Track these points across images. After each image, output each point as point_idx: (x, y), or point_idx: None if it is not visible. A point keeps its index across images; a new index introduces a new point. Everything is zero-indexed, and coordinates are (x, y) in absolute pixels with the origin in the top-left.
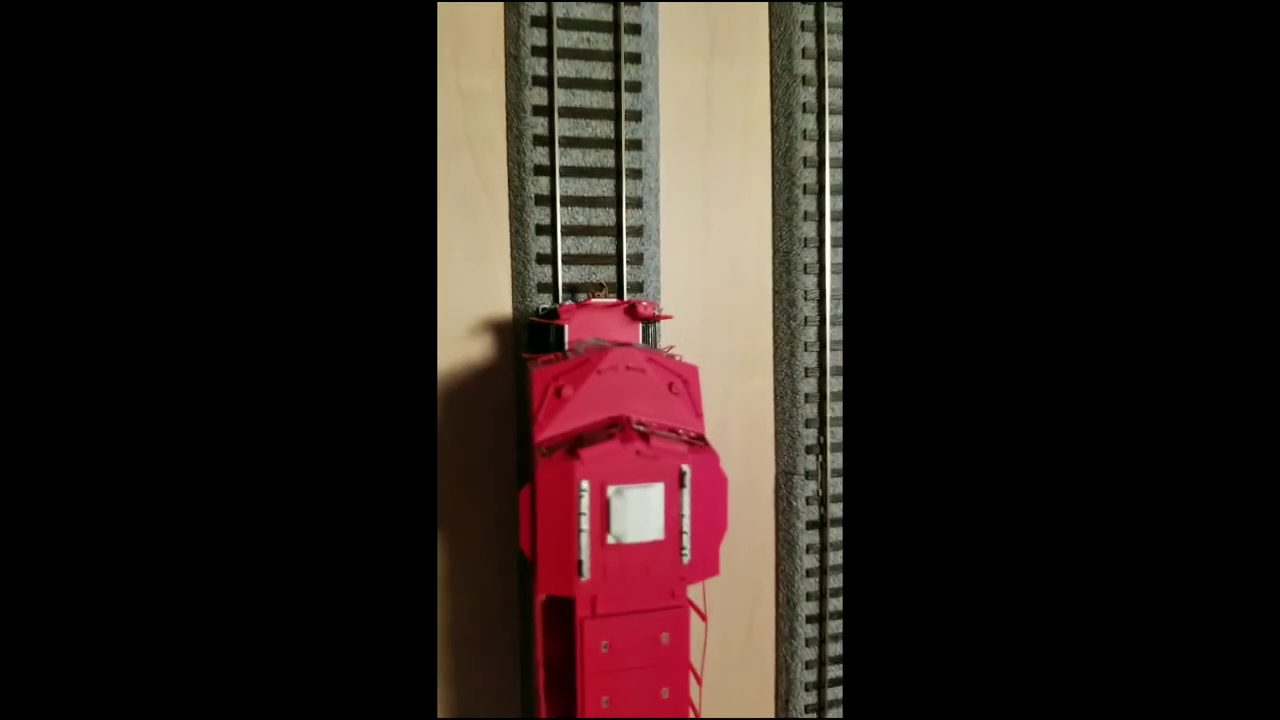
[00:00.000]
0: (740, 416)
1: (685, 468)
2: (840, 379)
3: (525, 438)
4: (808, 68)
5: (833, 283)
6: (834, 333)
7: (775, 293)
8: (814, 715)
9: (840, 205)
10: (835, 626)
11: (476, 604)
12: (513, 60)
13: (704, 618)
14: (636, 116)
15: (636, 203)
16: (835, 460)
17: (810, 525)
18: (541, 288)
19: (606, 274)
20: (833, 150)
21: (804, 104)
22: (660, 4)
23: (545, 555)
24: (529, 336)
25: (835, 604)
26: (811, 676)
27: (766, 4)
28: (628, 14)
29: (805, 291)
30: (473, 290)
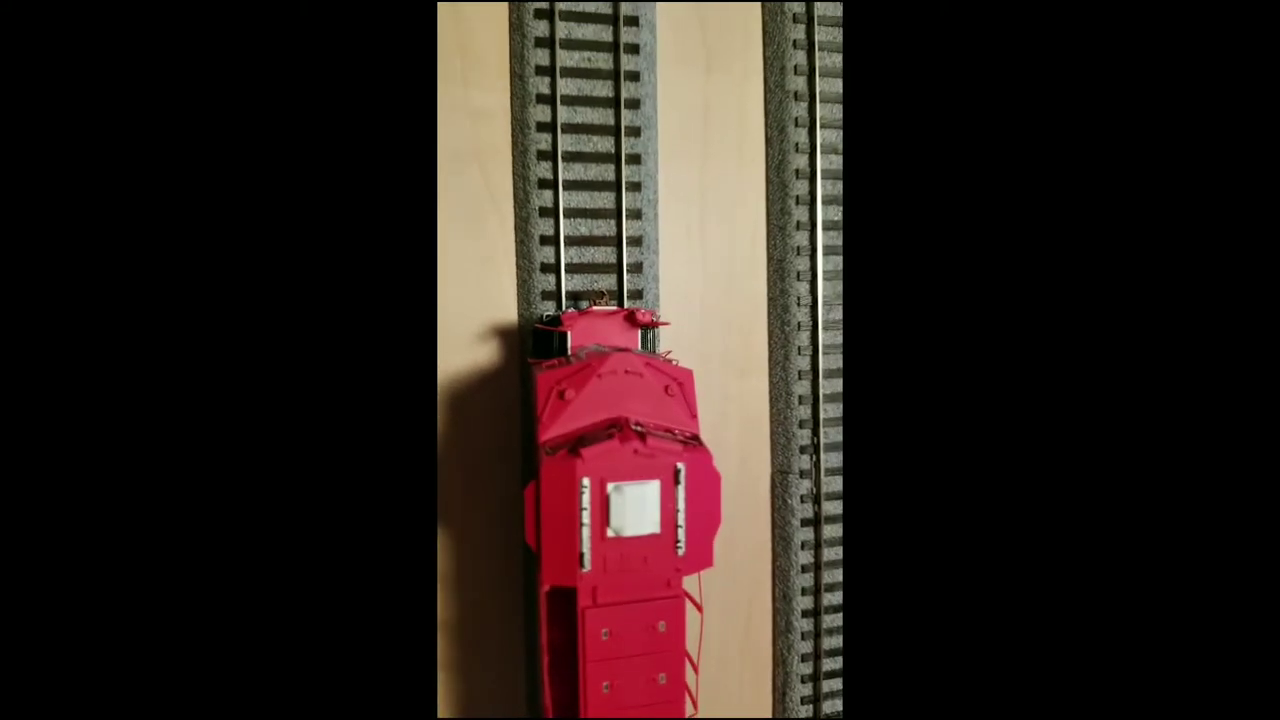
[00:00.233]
0: (737, 418)
1: (680, 465)
2: (833, 381)
3: (530, 438)
4: (800, 84)
5: (825, 289)
6: (826, 337)
7: (769, 299)
8: (810, 707)
9: (831, 215)
10: (830, 621)
11: (483, 596)
12: (518, 79)
13: (699, 608)
14: (636, 132)
15: (636, 214)
16: (829, 459)
17: (805, 522)
18: (545, 295)
19: (607, 282)
20: (824, 162)
21: (796, 118)
22: (659, 24)
23: (549, 548)
24: (533, 342)
25: (830, 599)
26: (807, 669)
27: (760, 23)
28: (627, 35)
29: (798, 298)
30: (480, 298)
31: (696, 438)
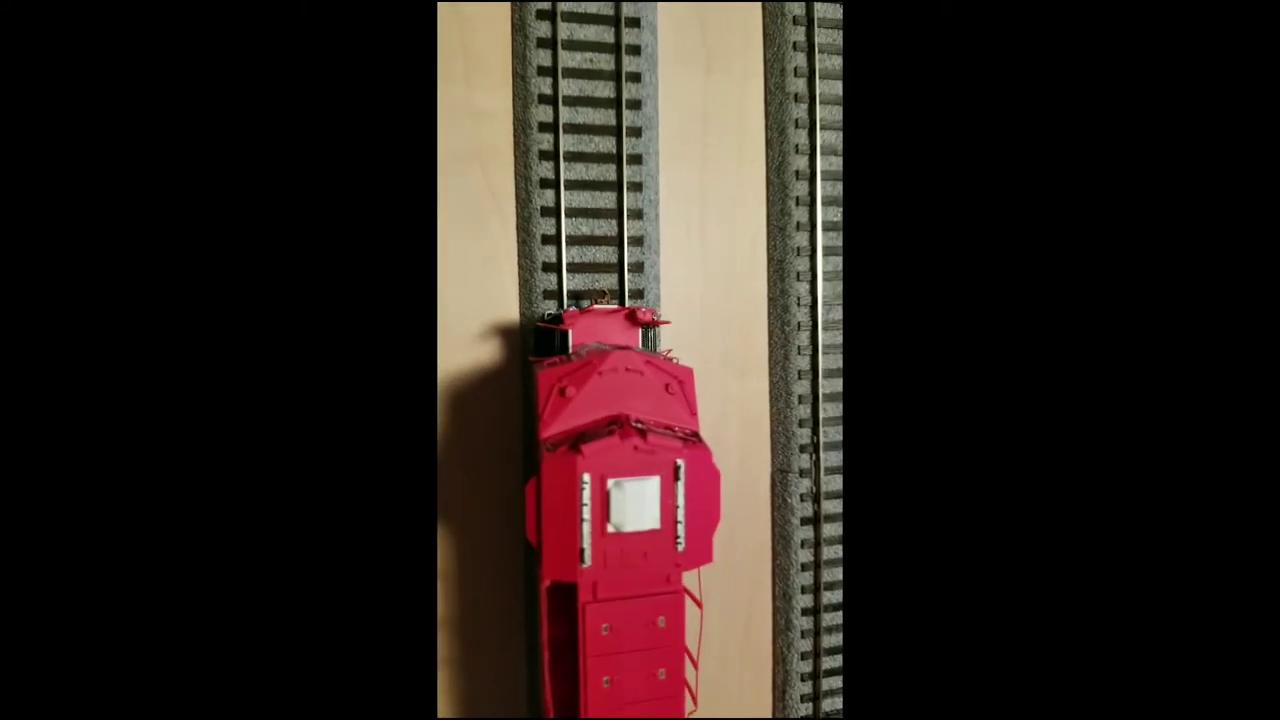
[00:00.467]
0: (737, 417)
1: (680, 462)
2: (832, 381)
3: (531, 435)
4: (800, 86)
5: (824, 290)
6: (826, 337)
7: (770, 299)
8: (810, 705)
9: (831, 216)
10: (829, 619)
11: (483, 593)
12: (520, 80)
13: (699, 604)
14: (637, 133)
15: (637, 214)
16: (828, 458)
17: (805, 521)
18: (547, 295)
19: (608, 282)
20: (824, 164)
21: (796, 120)
22: (660, 25)
23: (550, 544)
24: (535, 340)
25: (829, 597)
26: (807, 668)
27: (760, 25)
28: (628, 36)
29: (798, 298)
30: (482, 297)
31: (696, 435)
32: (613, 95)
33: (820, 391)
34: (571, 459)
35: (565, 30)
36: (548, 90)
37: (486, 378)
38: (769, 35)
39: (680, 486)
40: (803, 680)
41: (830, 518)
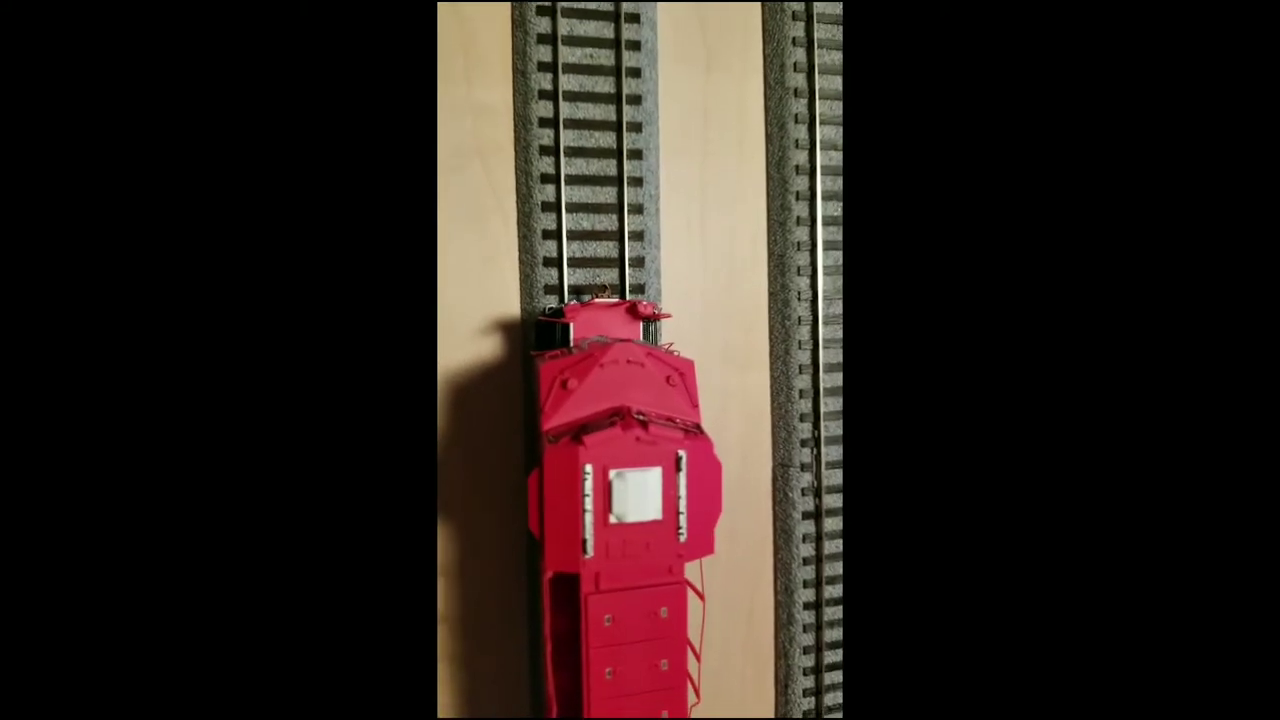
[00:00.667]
0: (738, 412)
1: (681, 453)
2: (833, 375)
3: (532, 430)
4: (799, 81)
5: (825, 284)
6: (826, 331)
7: (770, 294)
8: (812, 699)
9: (831, 211)
10: (831, 613)
11: (486, 586)
12: (520, 75)
13: (701, 596)
14: (637, 128)
15: (638, 209)
16: (829, 453)
17: (806, 516)
18: (548, 289)
19: (609, 276)
20: (824, 158)
21: (796, 115)
22: (660, 21)
23: (552, 535)
24: (536, 335)
25: (831, 591)
26: (809, 662)
27: (760, 20)
28: (628, 31)
29: (799, 292)
30: (483, 292)
31: (698, 426)
32: (613, 90)
33: (821, 386)
34: (574, 450)
35: (565, 26)
36: (548, 86)
37: (488, 373)
38: (768, 31)
39: (682, 477)
40: (805, 675)
41: (832, 512)
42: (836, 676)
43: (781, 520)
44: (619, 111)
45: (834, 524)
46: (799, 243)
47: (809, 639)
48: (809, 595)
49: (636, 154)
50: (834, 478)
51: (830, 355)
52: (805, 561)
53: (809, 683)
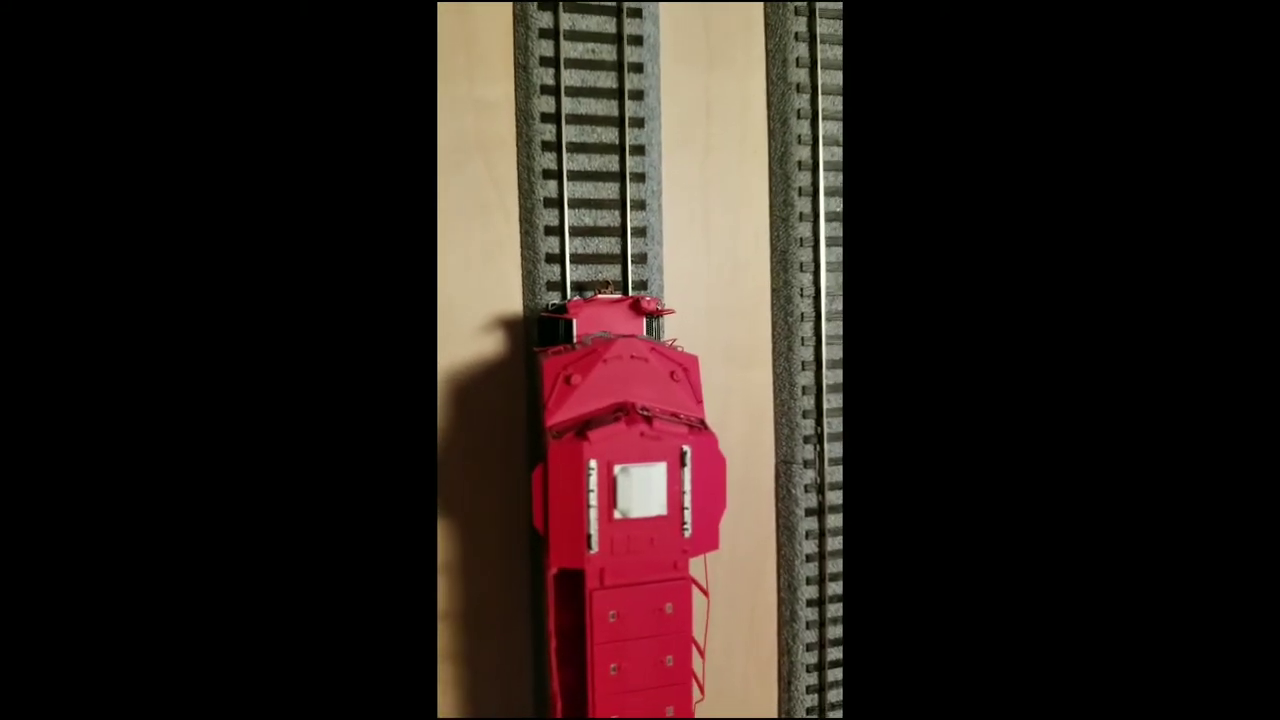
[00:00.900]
0: (740, 409)
1: (686, 448)
2: (836, 372)
3: (535, 427)
4: (802, 76)
5: (828, 280)
6: (829, 328)
7: (773, 290)
8: (815, 696)
9: (834, 206)
10: (835, 610)
11: (489, 582)
12: (522, 70)
13: (705, 593)
14: (639, 123)
15: (640, 205)
16: (832, 449)
17: (809, 512)
18: (550, 286)
19: (612, 272)
20: (827, 154)
21: (798, 110)
22: (661, 16)
23: (556, 530)
24: (539, 331)
25: (834, 588)
26: (812, 659)
27: (762, 15)
28: (630, 26)
29: (801, 289)
30: (485, 288)
31: (702, 422)
32: (615, 86)
33: (824, 382)
34: (578, 445)
35: (567, 20)
36: (550, 80)
37: (490, 370)
38: (770, 25)
39: (686, 473)
40: (808, 672)
41: (835, 509)
42: (840, 674)
43: (784, 517)
44: (621, 107)
45: (837, 520)
46: (802, 238)
47: (812, 636)
48: (812, 592)
49: (639, 149)
50: (837, 474)
51: (833, 352)
52: (808, 558)
53: (812, 680)
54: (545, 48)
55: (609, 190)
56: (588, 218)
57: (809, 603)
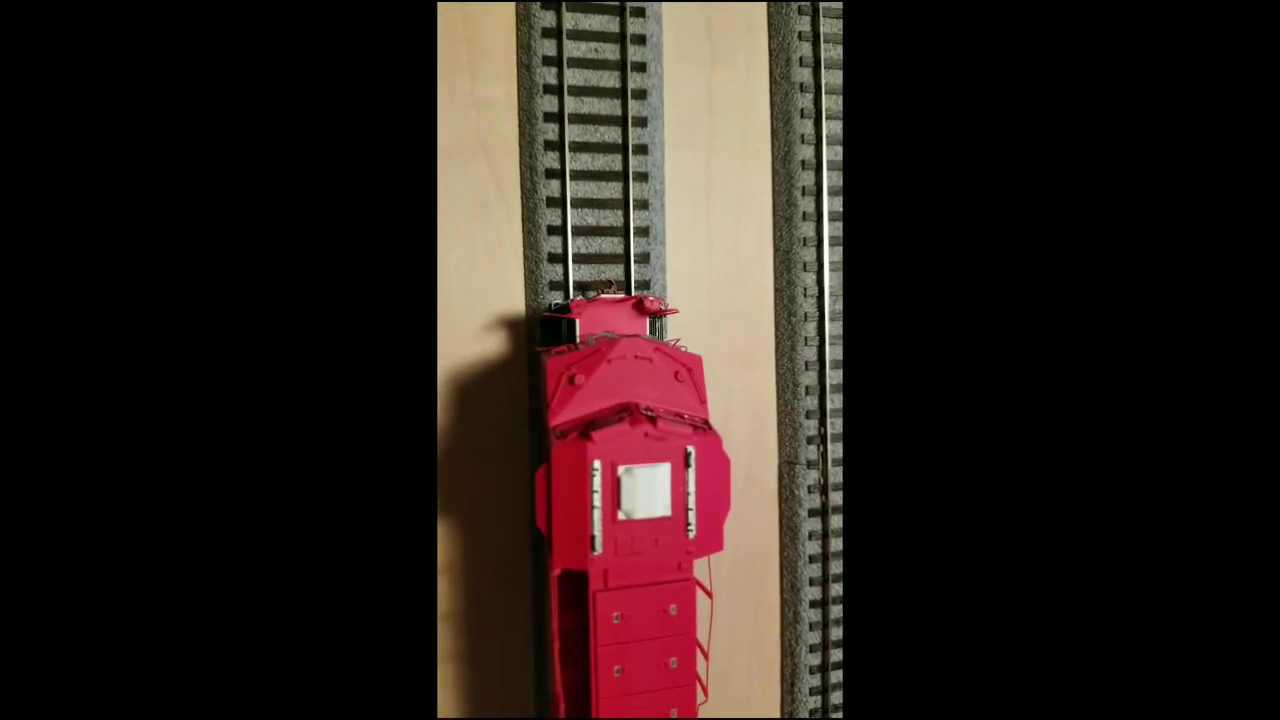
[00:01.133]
0: (744, 409)
1: (690, 448)
2: (839, 372)
3: (538, 427)
4: (805, 75)
5: (831, 280)
6: (833, 328)
7: (776, 290)
8: (818, 697)
9: (837, 206)
10: (838, 611)
11: (492, 583)
12: (525, 69)
13: (709, 594)
14: (642, 122)
15: (643, 204)
16: (835, 450)
17: (812, 513)
18: (553, 285)
19: (615, 272)
20: (830, 154)
21: (801, 109)
22: (664, 16)
23: (560, 531)
24: (542, 331)
25: (838, 589)
26: (815, 660)
27: (765, 15)
28: (633, 25)
29: (805, 288)
30: (488, 288)
31: (706, 422)
32: (618, 85)
33: (827, 383)
34: (582, 446)
35: (570, 20)
36: (553, 80)
37: (492, 370)
38: (774, 25)
39: (691, 473)
40: (811, 673)
41: (838, 510)
42: (843, 675)
43: (788, 518)
44: (624, 106)
45: (840, 521)
46: (805, 238)
47: (815, 637)
48: (815, 593)
49: (642, 149)
50: (840, 475)
51: (837, 352)
52: (812, 559)
53: (815, 681)
54: (548, 47)
55: (612, 190)
56: (590, 217)
57: (812, 604)
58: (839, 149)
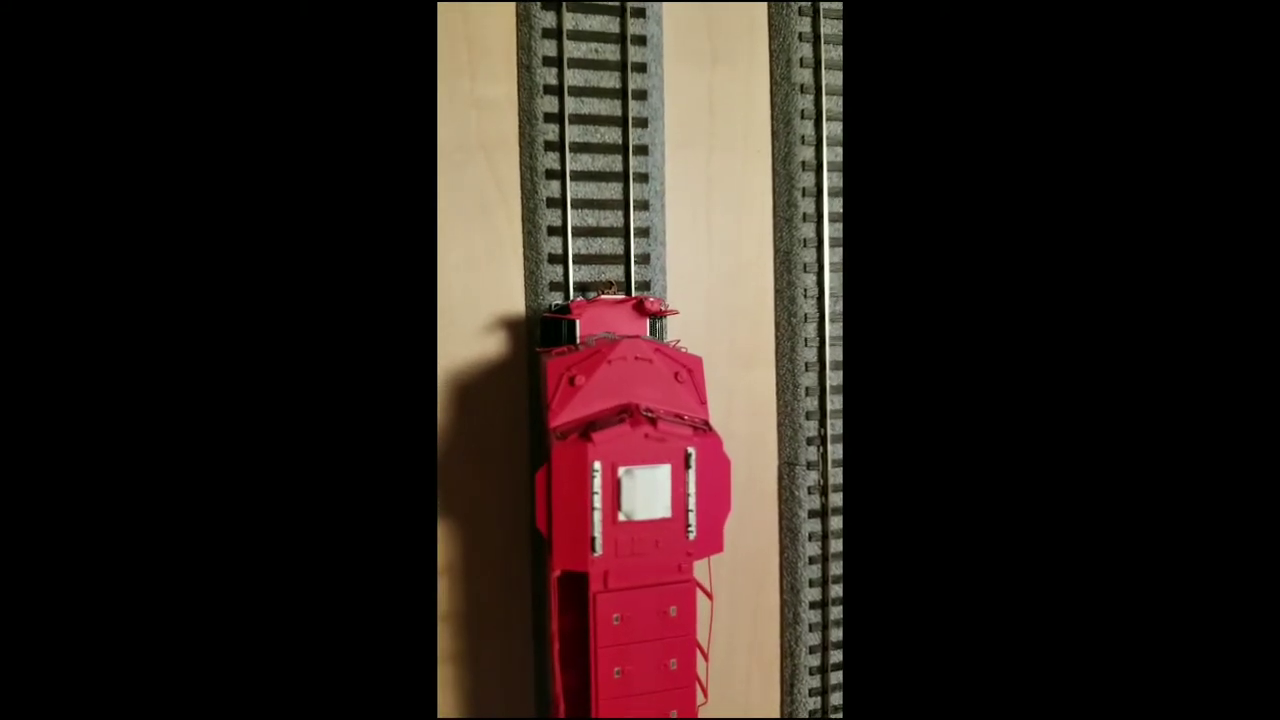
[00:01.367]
0: (744, 410)
1: (690, 450)
2: (839, 373)
3: (539, 426)
4: (805, 76)
5: (831, 281)
6: (833, 329)
7: (776, 291)
8: (818, 699)
9: (837, 207)
10: (838, 612)
11: (492, 584)
12: (525, 70)
13: (710, 596)
14: (643, 123)
15: (643, 205)
16: (835, 451)
17: (812, 514)
18: (553, 286)
19: (615, 273)
20: (830, 155)
21: (802, 111)
22: (665, 16)
23: (560, 533)
24: (542, 331)
25: (837, 591)
26: (815, 661)
27: (765, 15)
28: (634, 26)
29: (805, 289)
30: (488, 289)
31: (707, 423)
32: (618, 86)
33: (827, 384)
34: (582, 447)
35: (570, 20)
36: (553, 80)
37: (492, 371)
38: (774, 26)
39: (691, 475)
40: (811, 675)
41: (838, 511)
42: (843, 676)
43: (788, 519)
44: (624, 107)
45: (840, 523)
46: (805, 239)
47: (815, 638)
48: (815, 594)
49: (642, 150)
50: (840, 476)
51: (837, 353)
52: (812, 560)
53: (815, 682)
54: (548, 47)
55: (612, 190)
56: (591, 218)
57: (812, 605)
58: (839, 150)
